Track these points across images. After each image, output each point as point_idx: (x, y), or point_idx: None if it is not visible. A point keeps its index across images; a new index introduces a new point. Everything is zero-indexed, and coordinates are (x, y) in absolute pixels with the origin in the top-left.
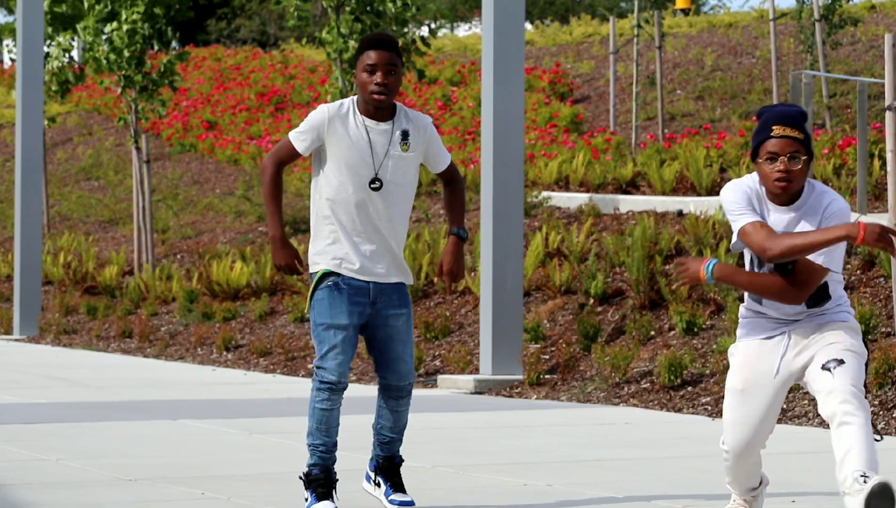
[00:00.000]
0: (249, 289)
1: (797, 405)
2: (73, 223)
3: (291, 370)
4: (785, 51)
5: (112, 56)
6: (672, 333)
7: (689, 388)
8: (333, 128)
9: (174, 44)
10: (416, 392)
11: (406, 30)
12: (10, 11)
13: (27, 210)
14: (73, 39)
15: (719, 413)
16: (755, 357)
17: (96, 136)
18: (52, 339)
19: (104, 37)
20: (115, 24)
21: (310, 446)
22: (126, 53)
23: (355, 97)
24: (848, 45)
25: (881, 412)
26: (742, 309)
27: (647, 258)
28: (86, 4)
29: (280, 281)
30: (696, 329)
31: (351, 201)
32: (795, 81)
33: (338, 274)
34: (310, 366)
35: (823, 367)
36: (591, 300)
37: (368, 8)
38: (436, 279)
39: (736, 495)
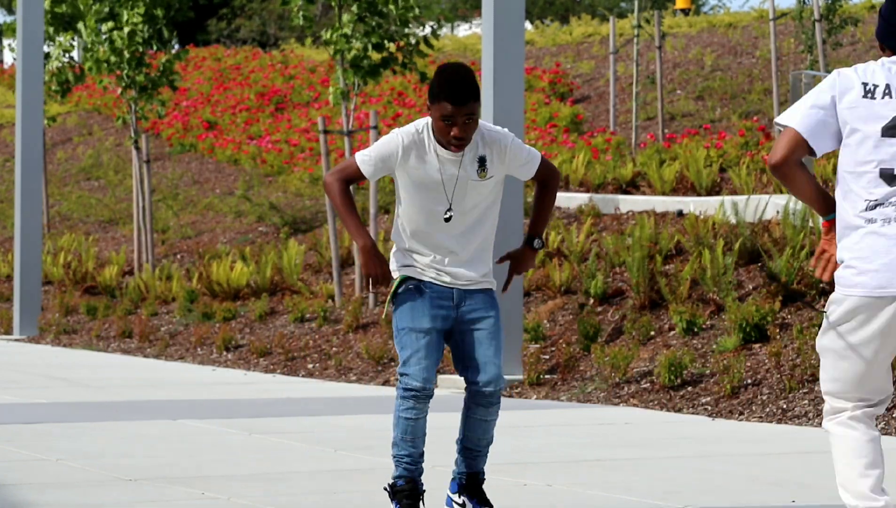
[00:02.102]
0: (249, 289)
1: (797, 406)
2: (73, 223)
3: (291, 370)
4: (785, 51)
5: (112, 57)
6: (672, 333)
7: (689, 388)
8: (406, 158)
9: (174, 43)
10: None
11: (408, 30)
12: (10, 11)
13: (27, 210)
14: (73, 39)
15: (719, 413)
16: None
17: (96, 136)
18: (52, 339)
19: (104, 37)
20: (113, 23)
21: (395, 457)
22: (126, 54)
23: (430, 120)
24: (848, 45)
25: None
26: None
27: (647, 258)
28: (85, 4)
29: (280, 281)
30: (696, 329)
31: (426, 227)
32: (795, 81)
33: (418, 279)
34: (309, 366)
35: None
36: (591, 300)
37: (372, 8)
38: None
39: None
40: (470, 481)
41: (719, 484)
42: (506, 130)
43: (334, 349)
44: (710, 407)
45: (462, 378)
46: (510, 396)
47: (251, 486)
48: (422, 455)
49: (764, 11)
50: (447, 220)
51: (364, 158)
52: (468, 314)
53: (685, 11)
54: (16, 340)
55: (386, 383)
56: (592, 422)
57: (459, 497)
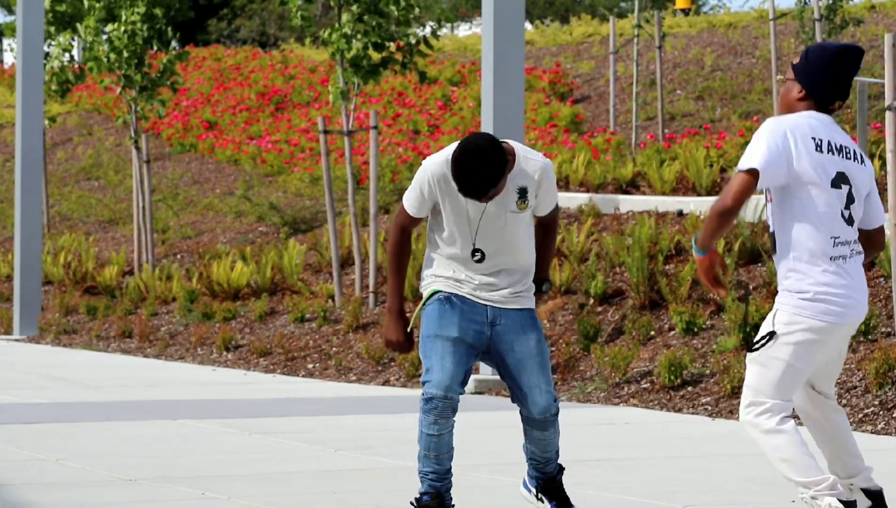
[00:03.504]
0: (249, 289)
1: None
2: (73, 223)
3: (291, 370)
4: (785, 51)
5: (112, 55)
6: (672, 333)
7: (689, 388)
8: (437, 188)
9: (174, 44)
10: (416, 392)
11: (409, 31)
12: (10, 11)
13: (27, 210)
14: (73, 39)
15: (719, 413)
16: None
17: (96, 136)
18: (52, 339)
19: (104, 36)
20: (115, 24)
21: (420, 472)
22: (126, 53)
23: None
24: None
25: (881, 412)
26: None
27: (647, 258)
28: (86, 4)
29: (280, 281)
30: (695, 329)
31: (461, 255)
32: None
33: (450, 293)
34: (309, 366)
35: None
36: (591, 300)
37: (372, 8)
38: None
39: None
40: (547, 485)
41: (719, 484)
42: (541, 154)
43: (334, 349)
44: (710, 407)
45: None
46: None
47: (251, 486)
48: (448, 471)
49: (764, 11)
50: (478, 261)
51: (407, 199)
52: (505, 335)
53: (685, 11)
54: (16, 340)
55: (386, 383)
56: (592, 422)
57: (538, 493)
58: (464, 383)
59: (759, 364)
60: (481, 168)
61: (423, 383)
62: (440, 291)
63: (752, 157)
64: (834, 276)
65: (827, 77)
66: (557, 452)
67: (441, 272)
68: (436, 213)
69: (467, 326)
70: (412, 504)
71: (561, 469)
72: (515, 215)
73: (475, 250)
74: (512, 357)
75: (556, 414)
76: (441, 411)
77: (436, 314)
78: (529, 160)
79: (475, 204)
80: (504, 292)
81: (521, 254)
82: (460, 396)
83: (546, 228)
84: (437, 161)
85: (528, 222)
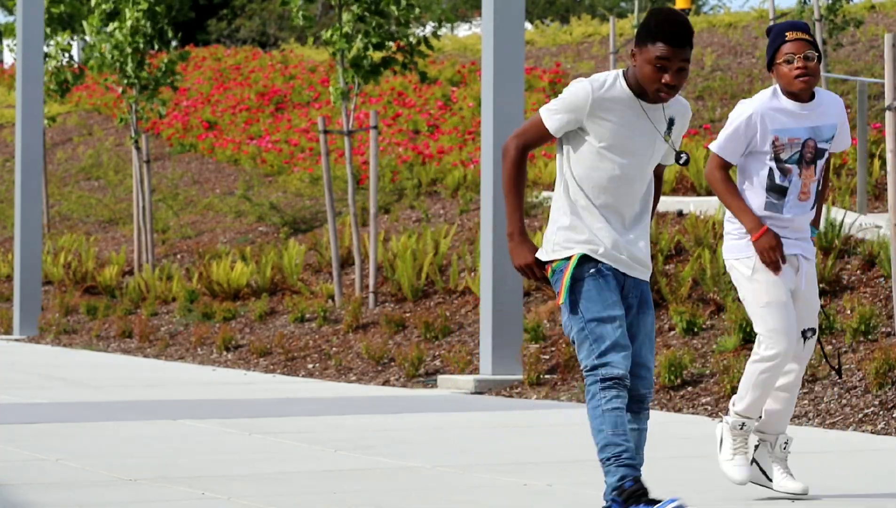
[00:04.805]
0: (249, 289)
1: (797, 405)
2: (73, 223)
3: (291, 370)
4: None
5: (115, 53)
6: (672, 333)
7: (689, 388)
8: (597, 109)
9: (174, 43)
10: (416, 392)
11: (410, 31)
12: (10, 11)
13: (27, 210)
14: (72, 39)
15: (719, 413)
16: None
17: (96, 136)
18: (52, 339)
19: (107, 33)
20: (117, 22)
21: (609, 459)
22: (128, 51)
23: (621, 71)
24: (848, 45)
25: (881, 412)
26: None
27: None
28: (92, 2)
29: (280, 281)
30: (696, 329)
31: (613, 190)
32: None
33: (596, 260)
34: (309, 366)
35: (803, 333)
36: None
37: (373, 8)
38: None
39: (740, 428)
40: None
41: (719, 484)
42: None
43: (334, 349)
44: (710, 407)
45: (462, 378)
46: (510, 396)
47: (251, 486)
48: (636, 448)
49: (764, 11)
50: (683, 163)
51: (549, 111)
52: (633, 309)
53: (685, 11)
54: (16, 340)
55: (386, 383)
56: None
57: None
58: None
59: None
60: (681, 15)
61: (599, 365)
62: (586, 257)
63: None
64: None
65: None
66: (643, 450)
67: (582, 235)
68: (573, 149)
69: (618, 298)
70: (614, 500)
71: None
72: (661, 144)
73: (679, 155)
74: (634, 332)
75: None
76: (622, 388)
77: (594, 293)
78: (680, 95)
79: (645, 115)
80: (638, 256)
81: (648, 203)
82: (467, 395)
83: (658, 179)
84: (599, 78)
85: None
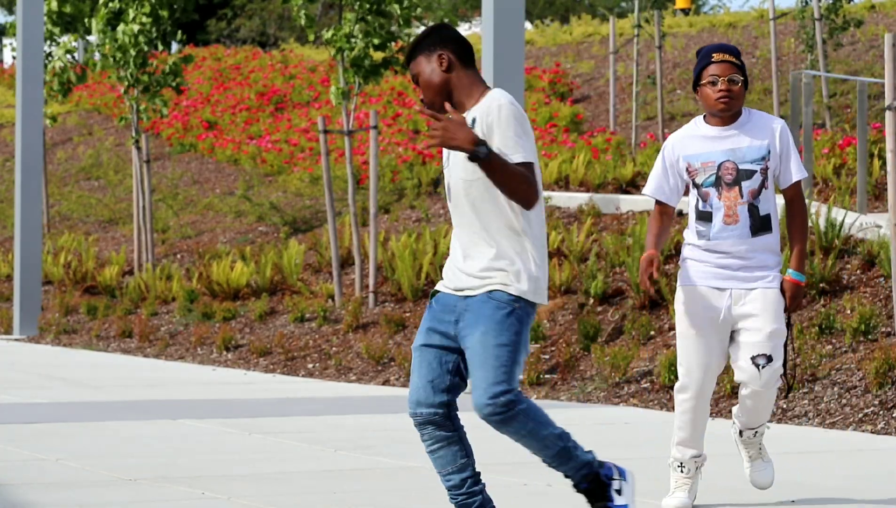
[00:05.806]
0: (249, 289)
1: (797, 405)
2: (73, 223)
3: (291, 370)
4: (785, 51)
5: (119, 53)
6: (672, 333)
7: None
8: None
9: (176, 47)
10: None
11: (409, 30)
12: (10, 11)
13: (27, 210)
14: (77, 41)
15: (719, 414)
16: (701, 304)
17: (96, 136)
18: (52, 339)
19: (112, 34)
20: (122, 25)
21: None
22: (132, 52)
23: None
24: (848, 45)
25: (881, 412)
26: (687, 248)
27: None
28: (99, 1)
29: (280, 281)
30: None
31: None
32: (795, 81)
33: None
34: (309, 366)
35: (753, 360)
36: (591, 300)
37: (375, 8)
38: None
39: (680, 470)
40: (576, 490)
41: (719, 484)
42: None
43: (334, 349)
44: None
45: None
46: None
47: (251, 486)
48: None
49: (764, 11)
50: (472, 158)
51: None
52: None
53: (685, 11)
54: (16, 340)
55: (386, 383)
56: (592, 422)
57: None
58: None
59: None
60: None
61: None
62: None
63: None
64: None
65: None
66: (548, 458)
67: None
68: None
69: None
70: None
71: (577, 480)
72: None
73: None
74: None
75: (501, 414)
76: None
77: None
78: (496, 97)
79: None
80: None
81: None
82: (467, 395)
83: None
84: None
85: None
